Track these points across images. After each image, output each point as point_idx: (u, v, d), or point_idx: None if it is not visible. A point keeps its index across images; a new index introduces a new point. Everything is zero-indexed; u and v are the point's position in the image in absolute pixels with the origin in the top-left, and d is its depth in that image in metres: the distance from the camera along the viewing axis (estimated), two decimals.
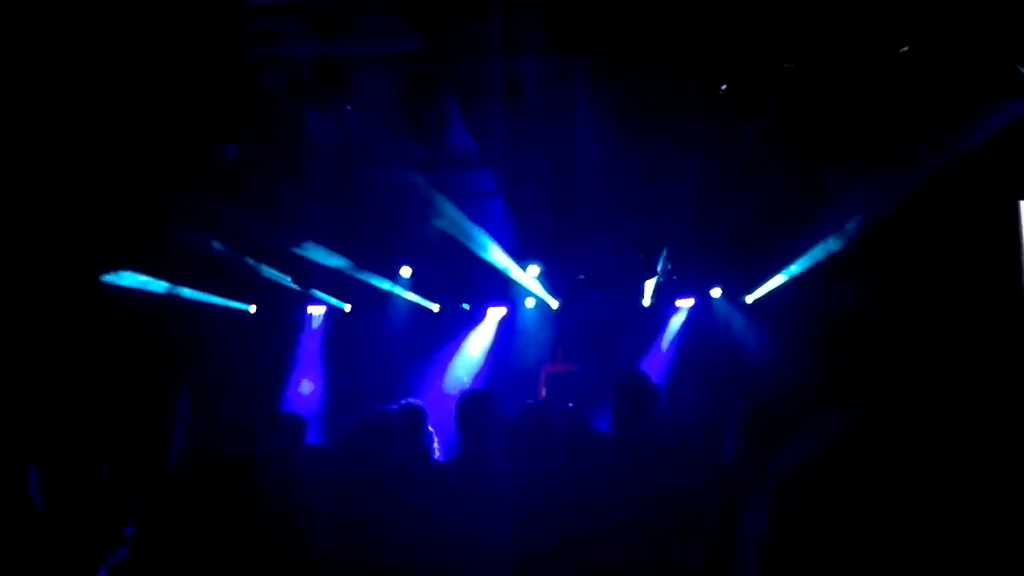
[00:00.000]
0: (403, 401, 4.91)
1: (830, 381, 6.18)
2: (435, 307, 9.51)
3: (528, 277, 8.99)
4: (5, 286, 5.39)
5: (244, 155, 5.92)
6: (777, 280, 7.84)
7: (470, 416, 3.72)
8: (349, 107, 5.33)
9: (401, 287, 9.02)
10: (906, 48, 4.58)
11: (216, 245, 7.27)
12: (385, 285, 8.91)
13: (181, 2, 5.15)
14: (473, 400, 3.82)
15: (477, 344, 9.15)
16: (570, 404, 6.91)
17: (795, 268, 7.48)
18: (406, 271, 8.83)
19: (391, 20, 5.22)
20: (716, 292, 8.73)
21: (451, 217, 8.17)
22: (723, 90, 5.43)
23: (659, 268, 8.07)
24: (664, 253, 8.07)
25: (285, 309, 9.10)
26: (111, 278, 6.63)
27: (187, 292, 7.67)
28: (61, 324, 5.78)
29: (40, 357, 5.46)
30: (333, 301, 9.30)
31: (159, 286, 7.25)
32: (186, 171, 6.00)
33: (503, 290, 9.29)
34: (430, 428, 4.77)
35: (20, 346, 5.38)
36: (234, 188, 6.36)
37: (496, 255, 8.85)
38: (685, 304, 8.76)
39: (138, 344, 6.37)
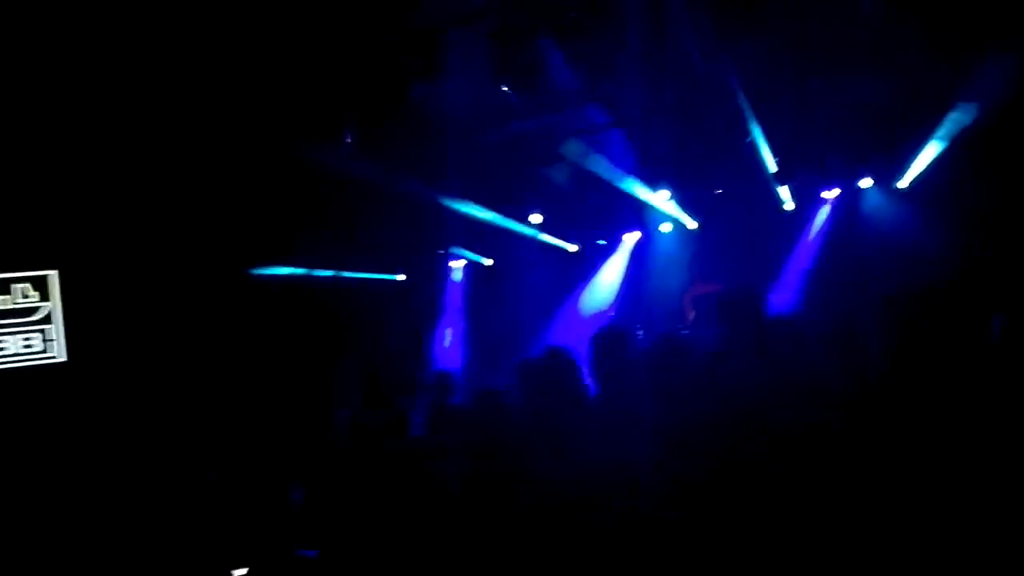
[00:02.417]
0: (546, 348, 5.07)
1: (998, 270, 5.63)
2: (573, 247, 9.58)
3: (662, 200, 8.80)
4: (176, 292, 6.06)
5: (362, 136, 6.20)
6: (930, 154, 7.13)
7: (603, 356, 3.75)
8: (452, 73, 5.42)
9: (537, 232, 9.15)
10: None
11: (358, 225, 7.73)
12: (522, 232, 9.06)
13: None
14: (605, 339, 3.83)
15: (612, 271, 9.15)
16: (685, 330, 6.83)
17: (947, 137, 6.75)
18: (536, 218, 8.93)
19: None
20: (866, 182, 8.11)
21: (574, 155, 8.15)
22: None
23: (790, 169, 7.59)
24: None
25: (429, 272, 9.53)
26: (265, 271, 7.28)
27: (342, 273, 8.26)
28: (229, 320, 6.43)
29: (212, 355, 6.13)
30: (473, 256, 9.61)
31: (318, 272, 7.85)
32: (317, 165, 6.39)
33: (638, 218, 9.18)
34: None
35: (191, 347, 6.06)
36: (361, 172, 6.70)
37: (625, 185, 8.73)
38: (830, 196, 8.19)
39: (303, 327, 6.97)
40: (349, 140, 6.12)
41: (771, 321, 3.73)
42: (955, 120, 6.66)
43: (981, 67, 6.03)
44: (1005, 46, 5.66)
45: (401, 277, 9.58)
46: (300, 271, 7.93)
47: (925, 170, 7.39)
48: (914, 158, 7.37)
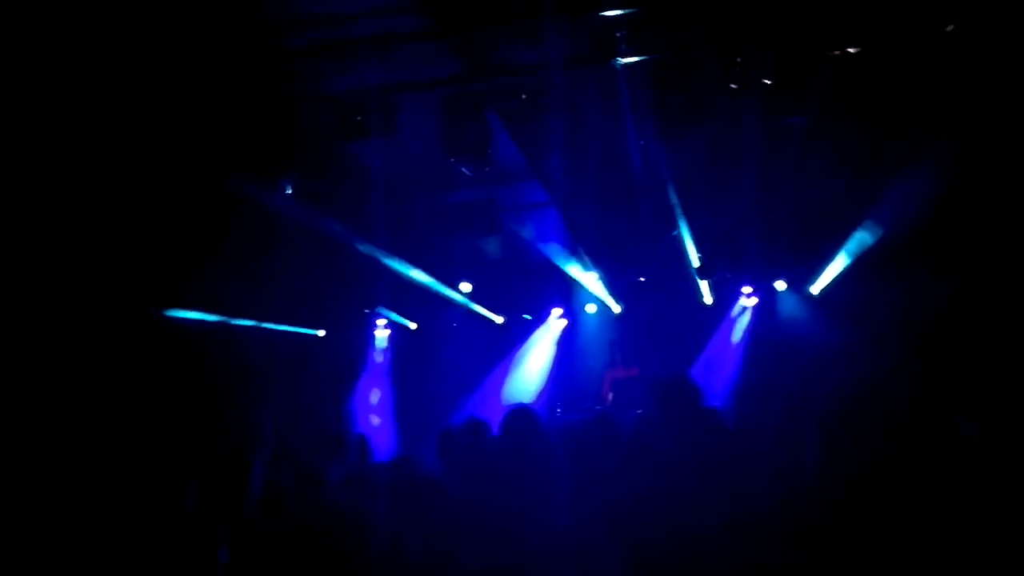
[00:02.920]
0: (468, 417, 5.03)
1: (905, 376, 5.99)
2: (499, 319, 9.63)
3: (588, 282, 9.02)
4: (72, 322, 5.71)
5: (300, 189, 6.15)
6: (839, 265, 7.62)
7: (515, 432, 3.78)
8: (395, 135, 5.48)
9: (465, 301, 9.16)
10: (951, 27, 4.44)
11: (282, 274, 7.56)
12: (450, 297, 9.06)
13: (227, 53, 5.40)
14: (517, 418, 3.88)
15: (538, 355, 9.22)
16: (638, 411, 6.91)
17: (850, 253, 7.27)
18: (466, 287, 8.97)
19: (430, 48, 5.37)
20: (780, 285, 8.55)
21: (508, 231, 8.30)
22: (767, 83, 5.35)
23: (713, 266, 7.95)
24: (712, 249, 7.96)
25: (352, 331, 9.37)
26: (178, 313, 6.99)
27: (262, 324, 8.02)
28: (136, 359, 6.10)
29: (117, 392, 5.78)
30: (399, 319, 9.53)
31: (237, 320, 7.59)
32: (247, 209, 6.27)
33: (565, 297, 9.36)
34: None
35: (95, 383, 5.70)
36: (293, 221, 6.61)
37: (554, 264, 8.92)
38: (748, 302, 8.60)
39: (220, 374, 6.68)
40: (289, 191, 6.04)
41: (702, 411, 3.84)
42: (861, 237, 7.17)
43: (889, 192, 6.56)
44: (911, 174, 6.19)
45: (321, 333, 9.37)
46: (216, 318, 7.66)
47: (834, 279, 7.88)
48: (824, 267, 7.86)
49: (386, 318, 9.49)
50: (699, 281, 8.51)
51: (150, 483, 3.50)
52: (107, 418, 5.57)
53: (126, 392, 5.92)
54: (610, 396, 8.16)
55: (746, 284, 8.55)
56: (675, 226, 7.94)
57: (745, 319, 8.55)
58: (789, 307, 8.35)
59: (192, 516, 3.12)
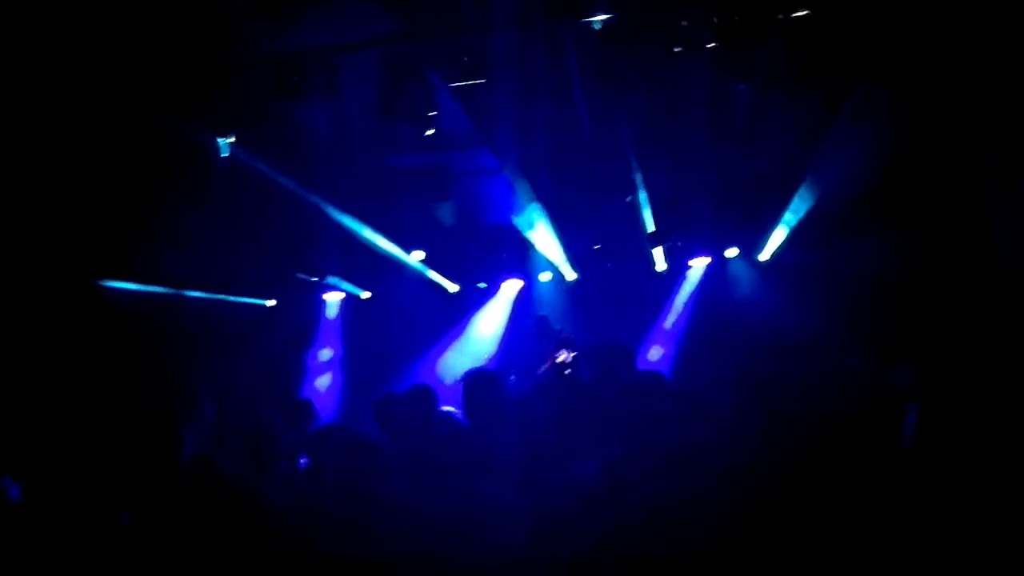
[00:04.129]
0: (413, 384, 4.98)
1: (846, 341, 6.10)
2: (453, 287, 9.55)
3: (543, 250, 8.97)
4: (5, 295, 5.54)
5: (239, 153, 5.98)
6: (782, 233, 7.69)
7: (476, 398, 3.74)
8: (336, 97, 5.35)
9: (419, 268, 9.06)
10: None
11: (230, 244, 7.39)
12: (404, 264, 8.93)
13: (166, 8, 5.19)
14: (478, 382, 3.83)
15: (492, 319, 9.18)
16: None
17: (795, 219, 7.33)
18: (419, 255, 8.87)
19: (370, 8, 5.22)
20: (732, 252, 8.59)
21: (461, 197, 8.20)
22: (712, 48, 5.32)
23: (665, 233, 7.97)
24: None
25: (303, 300, 9.23)
26: (122, 285, 6.79)
27: (205, 294, 7.83)
28: (72, 331, 5.94)
29: (45, 366, 5.62)
30: (350, 288, 9.40)
31: (170, 289, 7.41)
32: (185, 172, 6.09)
33: (520, 264, 9.30)
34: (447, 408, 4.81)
35: (24, 358, 5.54)
36: (235, 186, 6.44)
37: (509, 232, 8.85)
38: (699, 264, 8.63)
39: (155, 347, 6.53)
40: (227, 154, 5.88)
41: (638, 375, 3.84)
42: (805, 203, 7.22)
43: (832, 157, 6.60)
44: (854, 138, 6.22)
45: (271, 303, 9.21)
46: (161, 289, 7.45)
47: (780, 245, 7.95)
48: (771, 234, 7.91)
49: (338, 288, 9.35)
50: (651, 248, 8.51)
51: (73, 462, 3.42)
52: (38, 395, 5.42)
53: (60, 368, 5.75)
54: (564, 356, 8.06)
55: (697, 251, 8.57)
56: (629, 193, 7.91)
57: (694, 285, 8.60)
58: (739, 273, 8.41)
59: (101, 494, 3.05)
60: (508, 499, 3.39)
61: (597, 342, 4.13)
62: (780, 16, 5.09)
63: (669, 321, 8.50)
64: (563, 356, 6.94)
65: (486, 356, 8.78)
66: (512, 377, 8.22)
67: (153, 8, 5.11)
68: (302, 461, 4.36)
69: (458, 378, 3.94)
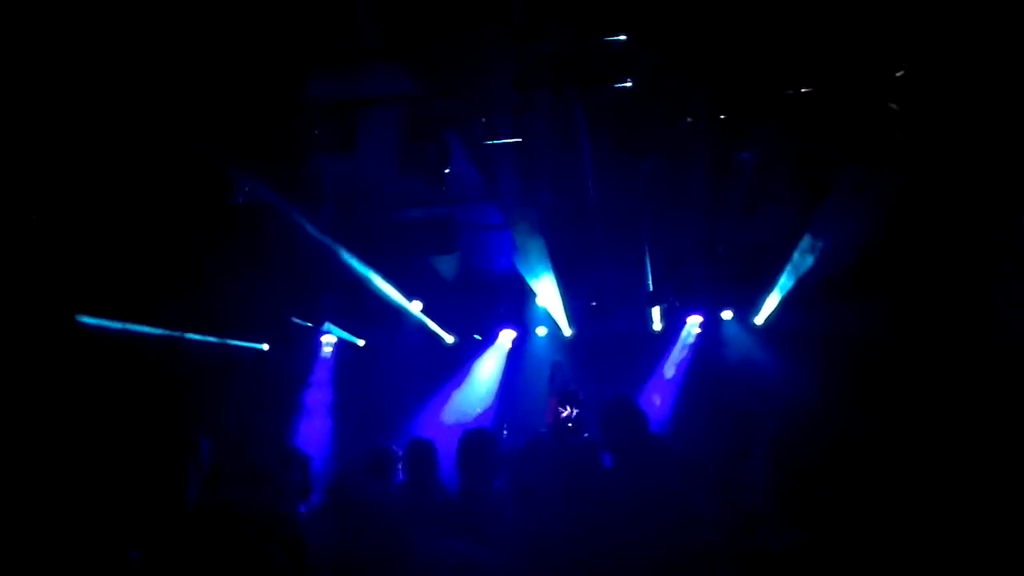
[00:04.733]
0: (412, 438, 4.99)
1: (846, 405, 6.18)
2: (450, 338, 9.58)
3: (541, 305, 9.05)
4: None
5: (254, 200, 6.05)
6: (777, 297, 7.85)
7: (469, 456, 3.79)
8: (354, 150, 5.45)
9: (417, 317, 9.08)
10: (901, 72, 4.65)
11: (229, 289, 7.38)
12: (402, 311, 8.94)
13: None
14: (472, 440, 3.89)
15: (487, 371, 9.20)
16: (586, 434, 6.92)
17: (792, 285, 7.49)
18: (417, 305, 8.91)
19: (391, 67, 5.36)
20: (727, 315, 8.73)
21: (464, 251, 8.29)
22: (720, 119, 5.51)
23: (663, 293, 8.10)
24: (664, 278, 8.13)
25: (299, 346, 9.20)
26: (118, 325, 6.73)
27: (200, 336, 7.79)
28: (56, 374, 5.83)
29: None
30: (346, 335, 9.39)
31: (168, 332, 7.35)
32: (199, 216, 6.12)
33: (516, 319, 9.38)
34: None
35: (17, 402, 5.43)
36: (246, 229, 6.48)
37: (508, 286, 8.94)
38: (694, 323, 8.75)
39: (150, 393, 6.45)
40: (241, 200, 5.93)
41: (649, 436, 3.88)
42: (800, 268, 7.39)
43: (829, 225, 6.80)
44: (852, 208, 6.42)
45: (264, 347, 9.17)
46: (155, 331, 7.38)
47: (776, 309, 8.10)
48: (767, 297, 8.07)
49: (333, 334, 9.35)
50: (649, 308, 8.63)
51: (71, 505, 3.39)
52: (24, 433, 5.31)
53: (46, 407, 5.65)
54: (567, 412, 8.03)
55: (693, 312, 8.71)
56: (630, 252, 8.07)
57: (689, 345, 8.70)
58: (734, 335, 8.54)
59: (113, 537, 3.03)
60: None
61: (612, 400, 4.16)
62: (790, 92, 5.29)
63: (667, 372, 8.57)
64: (567, 412, 6.95)
65: (481, 408, 8.77)
66: (504, 432, 8.20)
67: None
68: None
69: (454, 430, 4.00)
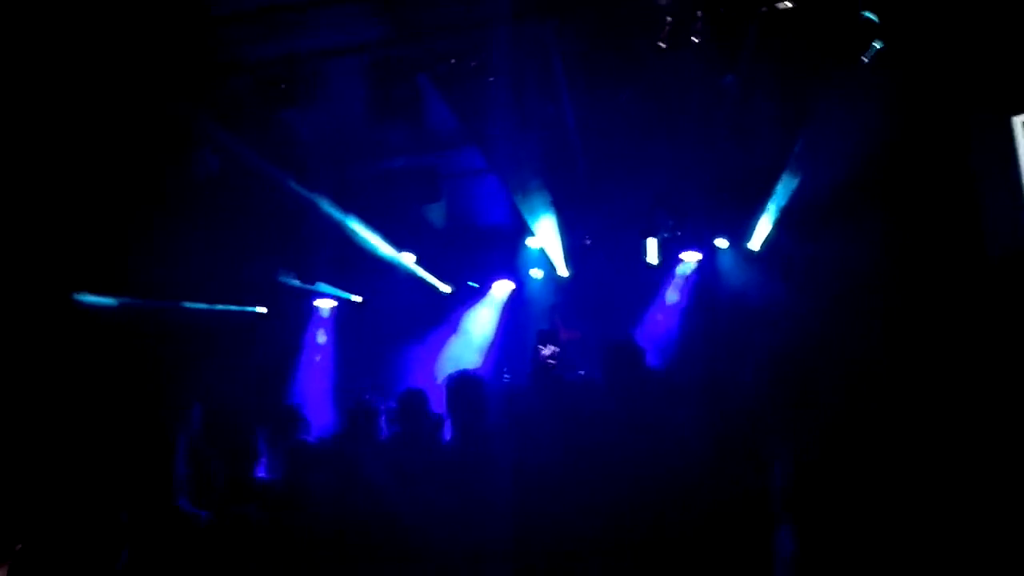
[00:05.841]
0: (404, 388, 4.99)
1: (840, 329, 6.14)
2: (446, 288, 9.53)
3: (534, 247, 8.97)
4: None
5: (227, 159, 5.95)
6: (769, 220, 7.72)
7: (458, 401, 3.78)
8: (319, 102, 5.32)
9: (411, 269, 9.02)
10: None
11: (215, 250, 7.33)
12: (396, 265, 8.88)
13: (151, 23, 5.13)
14: (460, 384, 3.87)
15: (484, 321, 9.18)
16: (580, 372, 6.92)
17: (783, 206, 7.36)
18: (410, 257, 8.84)
19: (355, 11, 5.20)
20: (722, 243, 8.62)
21: (451, 198, 8.18)
22: (696, 42, 5.32)
23: (658, 223, 8.00)
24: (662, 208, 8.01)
25: (296, 306, 9.19)
26: (108, 300, 6.72)
27: (192, 304, 7.79)
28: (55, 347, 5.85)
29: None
30: (342, 294, 9.37)
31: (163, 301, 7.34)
32: (175, 182, 6.04)
33: (511, 264, 9.30)
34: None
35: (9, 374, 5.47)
36: (222, 192, 6.40)
37: (500, 230, 8.85)
38: (690, 258, 8.66)
39: (143, 363, 6.47)
40: (212, 161, 5.84)
41: (648, 373, 3.88)
42: (788, 191, 7.25)
43: (817, 146, 6.65)
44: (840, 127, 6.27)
45: (262, 310, 9.16)
46: (139, 301, 7.35)
47: (770, 234, 7.99)
48: (758, 223, 7.95)
49: (329, 295, 9.32)
50: (644, 240, 8.52)
51: (68, 476, 3.42)
52: (23, 414, 5.35)
53: (42, 386, 5.68)
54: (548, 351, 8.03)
55: (688, 242, 8.60)
56: (621, 188, 7.95)
57: (683, 275, 8.64)
58: (731, 264, 8.44)
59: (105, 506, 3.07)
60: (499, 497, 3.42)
61: (610, 339, 4.13)
62: (764, 9, 5.10)
63: (670, 298, 8.52)
64: (547, 350, 6.94)
65: (479, 356, 8.79)
66: (505, 376, 8.23)
67: (132, 17, 5.04)
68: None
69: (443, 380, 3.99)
